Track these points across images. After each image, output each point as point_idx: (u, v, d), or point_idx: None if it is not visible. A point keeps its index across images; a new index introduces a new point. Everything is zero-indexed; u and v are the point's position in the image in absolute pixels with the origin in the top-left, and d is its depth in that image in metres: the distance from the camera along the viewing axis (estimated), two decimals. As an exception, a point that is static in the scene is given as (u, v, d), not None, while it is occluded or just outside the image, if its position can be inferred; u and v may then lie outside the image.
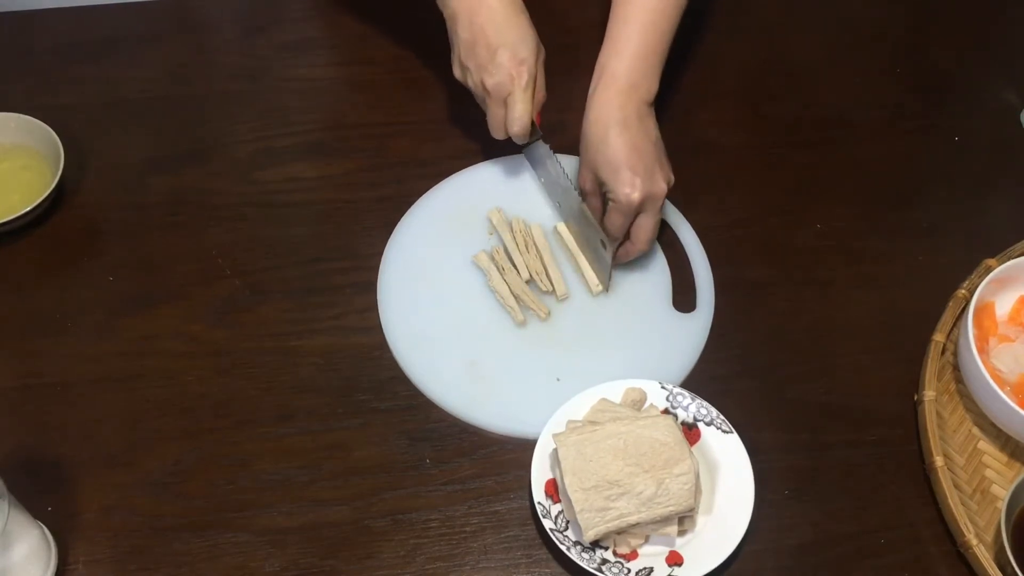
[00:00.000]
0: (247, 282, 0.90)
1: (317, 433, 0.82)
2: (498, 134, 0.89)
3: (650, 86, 0.86)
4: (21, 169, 0.94)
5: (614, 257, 0.88)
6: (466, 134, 1.00)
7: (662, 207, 0.86)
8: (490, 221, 0.94)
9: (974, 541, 0.75)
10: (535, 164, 0.96)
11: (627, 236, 0.88)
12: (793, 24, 1.14)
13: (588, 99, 0.86)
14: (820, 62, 1.11)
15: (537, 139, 0.91)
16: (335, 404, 0.84)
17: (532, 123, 0.88)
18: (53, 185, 0.90)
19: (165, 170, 0.97)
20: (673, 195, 0.96)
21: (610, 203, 0.86)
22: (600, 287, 0.90)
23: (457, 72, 0.89)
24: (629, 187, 0.83)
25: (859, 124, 1.05)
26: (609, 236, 0.86)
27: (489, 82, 0.85)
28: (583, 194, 0.90)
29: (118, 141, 0.99)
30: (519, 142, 0.90)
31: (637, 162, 0.83)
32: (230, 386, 0.84)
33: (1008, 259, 0.89)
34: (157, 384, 0.84)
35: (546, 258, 0.91)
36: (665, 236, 0.94)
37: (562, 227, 0.94)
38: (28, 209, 0.88)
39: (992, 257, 0.91)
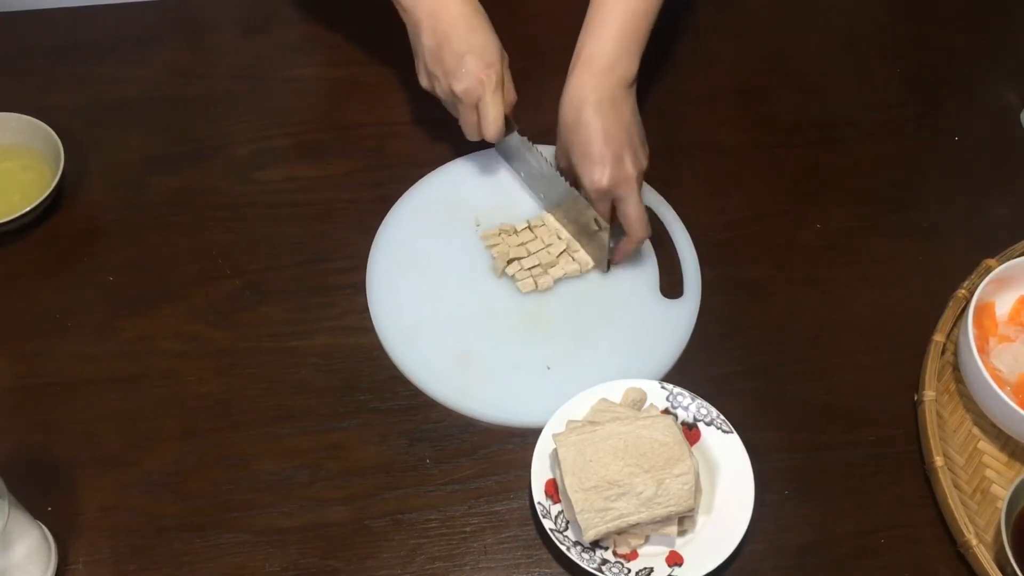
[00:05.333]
0: (247, 282, 0.90)
1: (317, 433, 0.82)
2: (472, 137, 0.90)
3: (627, 67, 0.85)
4: (21, 169, 0.94)
5: (615, 246, 0.88)
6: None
7: (640, 190, 0.86)
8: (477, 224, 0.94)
9: (974, 541, 0.75)
10: (511, 159, 0.96)
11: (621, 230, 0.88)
12: (793, 24, 1.14)
13: (566, 80, 0.86)
14: (820, 62, 1.10)
15: (512, 132, 0.91)
16: (335, 404, 0.84)
17: (506, 118, 0.88)
18: (53, 185, 0.90)
19: (165, 170, 0.97)
20: (672, 194, 0.97)
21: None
22: (593, 266, 0.90)
23: (423, 80, 0.89)
24: (598, 174, 0.83)
25: (859, 124, 1.05)
26: (603, 216, 0.86)
27: (458, 88, 0.85)
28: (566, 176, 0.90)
29: (118, 141, 0.99)
30: (494, 142, 0.90)
31: (605, 148, 0.83)
32: (230, 386, 0.84)
33: (1008, 259, 0.89)
34: (157, 384, 0.84)
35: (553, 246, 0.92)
36: (651, 225, 0.94)
37: (547, 217, 0.94)
38: (28, 209, 0.88)
39: (992, 257, 0.91)
